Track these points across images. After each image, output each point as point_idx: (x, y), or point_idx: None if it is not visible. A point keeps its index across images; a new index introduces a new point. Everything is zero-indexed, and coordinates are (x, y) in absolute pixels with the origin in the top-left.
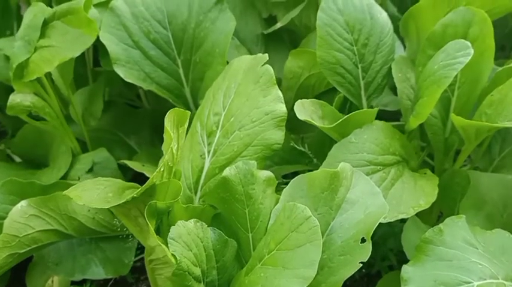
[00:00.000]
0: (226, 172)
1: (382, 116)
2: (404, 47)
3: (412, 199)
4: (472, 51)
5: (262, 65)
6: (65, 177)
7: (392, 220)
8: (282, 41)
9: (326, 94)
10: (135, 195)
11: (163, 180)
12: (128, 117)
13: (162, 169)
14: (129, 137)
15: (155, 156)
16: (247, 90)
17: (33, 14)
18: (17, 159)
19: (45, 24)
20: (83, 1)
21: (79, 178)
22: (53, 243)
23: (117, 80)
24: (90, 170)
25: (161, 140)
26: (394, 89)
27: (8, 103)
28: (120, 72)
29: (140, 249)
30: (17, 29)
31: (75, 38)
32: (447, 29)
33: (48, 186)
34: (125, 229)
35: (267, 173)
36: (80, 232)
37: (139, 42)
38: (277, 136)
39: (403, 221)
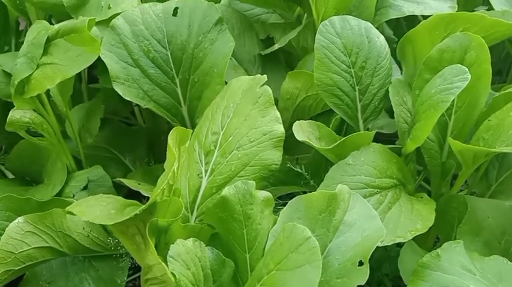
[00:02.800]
0: (225, 191)
1: (377, 138)
2: (401, 70)
3: (409, 223)
4: (469, 76)
5: (261, 86)
6: (59, 194)
7: (389, 244)
8: (278, 62)
9: (323, 115)
10: (137, 212)
11: (164, 198)
12: (123, 135)
13: (163, 187)
14: (124, 155)
15: (150, 174)
16: (246, 110)
17: (37, 32)
18: (10, 175)
19: (48, 41)
20: (86, 20)
21: (74, 195)
22: (47, 261)
23: (113, 97)
24: (85, 188)
25: (156, 158)
26: (389, 112)
27: (8, 119)
28: (119, 90)
29: (132, 269)
30: (16, 45)
31: (77, 55)
32: (444, 54)
33: (45, 203)
34: (118, 248)
35: (265, 194)
36: (74, 249)
37: (138, 60)
38: (275, 156)
39: (398, 245)
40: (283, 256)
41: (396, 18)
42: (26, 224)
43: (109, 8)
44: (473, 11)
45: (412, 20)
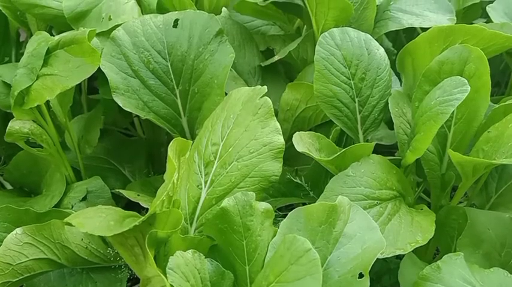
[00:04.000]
0: (225, 202)
1: (377, 149)
2: (401, 81)
3: (409, 235)
4: (468, 88)
5: (261, 97)
6: (58, 205)
7: (389, 256)
8: (278, 73)
9: (322, 127)
10: (137, 223)
11: (164, 209)
12: (122, 146)
13: (163, 198)
14: (123, 166)
15: (149, 185)
16: (246, 121)
17: (37, 43)
18: (8, 186)
19: (48, 52)
20: (87, 31)
21: (72, 207)
22: (45, 272)
23: (112, 108)
24: (84, 199)
25: (155, 169)
26: (389, 123)
27: (7, 130)
28: (119, 100)
29: (130, 281)
30: (16, 56)
31: (77, 66)
32: (443, 65)
33: (43, 214)
34: (117, 259)
35: (265, 205)
36: (72, 261)
37: (138, 71)
38: (275, 168)
39: (398, 257)
40: (284, 268)
41: (395, 30)
42: (24, 236)
43: (109, 19)
44: (472, 23)
45: (411, 32)
